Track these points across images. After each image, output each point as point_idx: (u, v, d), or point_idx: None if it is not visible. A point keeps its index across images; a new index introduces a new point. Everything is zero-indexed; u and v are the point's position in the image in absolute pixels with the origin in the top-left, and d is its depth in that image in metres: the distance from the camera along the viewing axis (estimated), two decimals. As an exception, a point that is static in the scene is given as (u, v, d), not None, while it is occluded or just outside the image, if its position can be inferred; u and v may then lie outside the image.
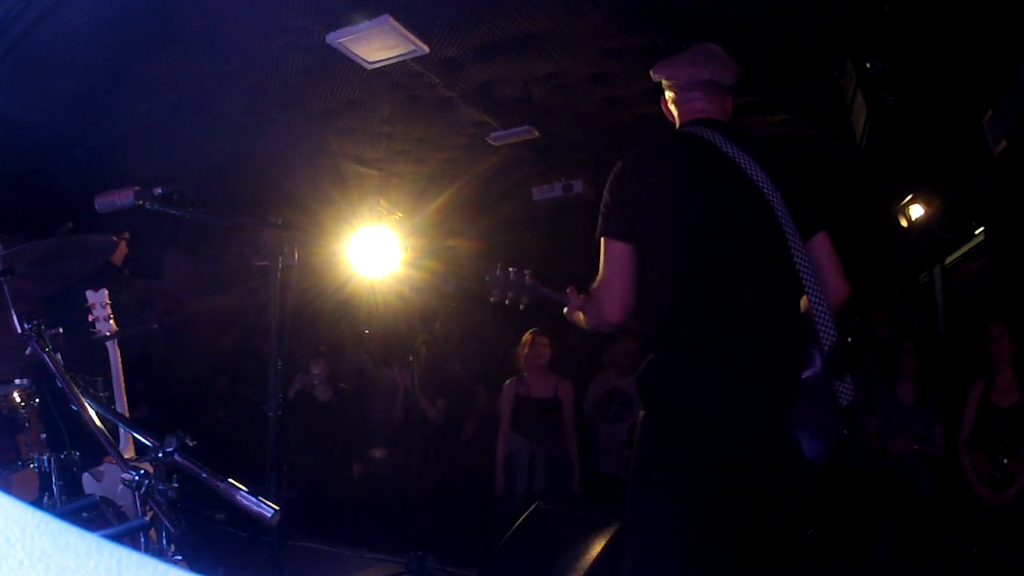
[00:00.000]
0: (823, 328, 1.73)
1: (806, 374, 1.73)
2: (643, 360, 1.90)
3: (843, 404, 1.73)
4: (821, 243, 1.90)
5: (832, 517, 3.92)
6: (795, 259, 1.77)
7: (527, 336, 4.67)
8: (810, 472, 1.78)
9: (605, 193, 1.94)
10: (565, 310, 2.15)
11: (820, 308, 1.75)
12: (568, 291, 2.11)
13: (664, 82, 2.11)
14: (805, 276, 1.76)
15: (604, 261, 1.90)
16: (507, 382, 4.76)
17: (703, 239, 1.82)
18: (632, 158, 1.96)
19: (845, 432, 1.94)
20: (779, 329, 1.79)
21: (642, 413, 1.89)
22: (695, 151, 1.90)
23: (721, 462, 1.74)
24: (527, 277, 2.13)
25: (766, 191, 1.80)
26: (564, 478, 4.54)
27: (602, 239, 1.90)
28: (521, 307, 2.16)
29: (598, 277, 1.92)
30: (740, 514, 1.79)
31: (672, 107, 2.10)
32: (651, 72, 2.13)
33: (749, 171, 1.82)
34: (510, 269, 2.13)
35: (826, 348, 1.72)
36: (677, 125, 2.08)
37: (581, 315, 2.06)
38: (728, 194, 1.84)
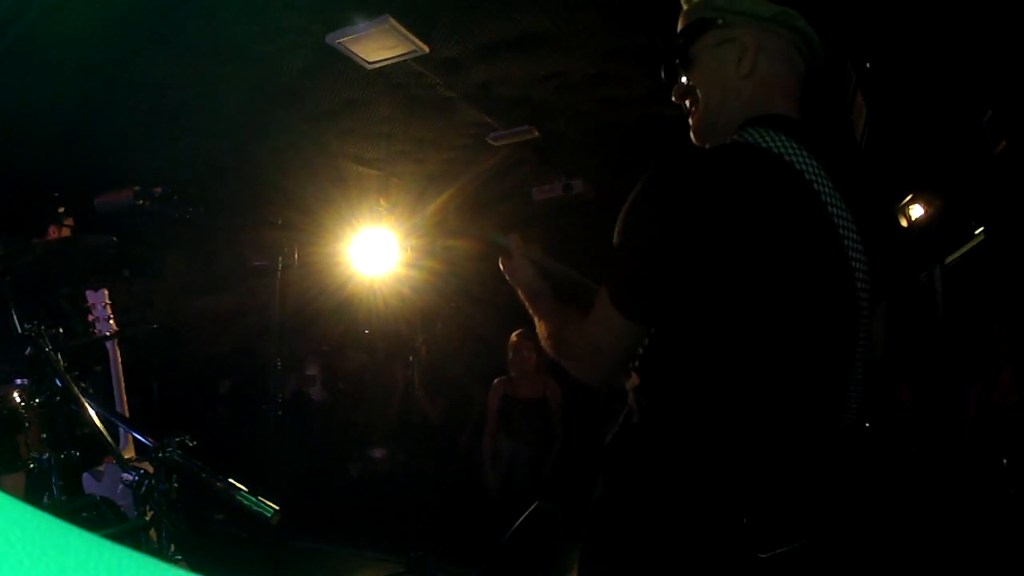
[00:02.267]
0: (847, 411, 1.31)
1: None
2: (631, 388, 1.30)
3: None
4: (880, 309, 1.40)
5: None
6: (861, 335, 1.27)
7: (513, 339, 4.65)
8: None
9: (632, 212, 1.20)
10: (501, 262, 1.57)
11: (855, 391, 1.31)
12: (512, 238, 1.56)
13: (729, 25, 1.29)
14: (860, 356, 1.29)
15: (603, 321, 1.24)
16: (495, 381, 4.76)
17: (760, 298, 1.18)
18: (667, 176, 1.20)
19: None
20: (822, 421, 1.29)
21: (601, 493, 1.30)
22: (762, 175, 1.19)
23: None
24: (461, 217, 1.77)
25: (848, 242, 1.23)
26: (544, 478, 4.51)
27: (607, 298, 1.22)
28: (440, 248, 1.79)
29: (589, 326, 1.27)
30: None
31: (730, 66, 1.29)
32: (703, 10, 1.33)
33: (833, 210, 1.22)
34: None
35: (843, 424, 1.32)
36: (713, 107, 1.32)
37: (533, 306, 1.51)
38: (804, 247, 1.20)
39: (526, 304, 1.56)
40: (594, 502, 1.33)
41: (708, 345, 1.21)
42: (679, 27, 1.37)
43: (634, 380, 1.30)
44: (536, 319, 1.49)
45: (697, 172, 1.21)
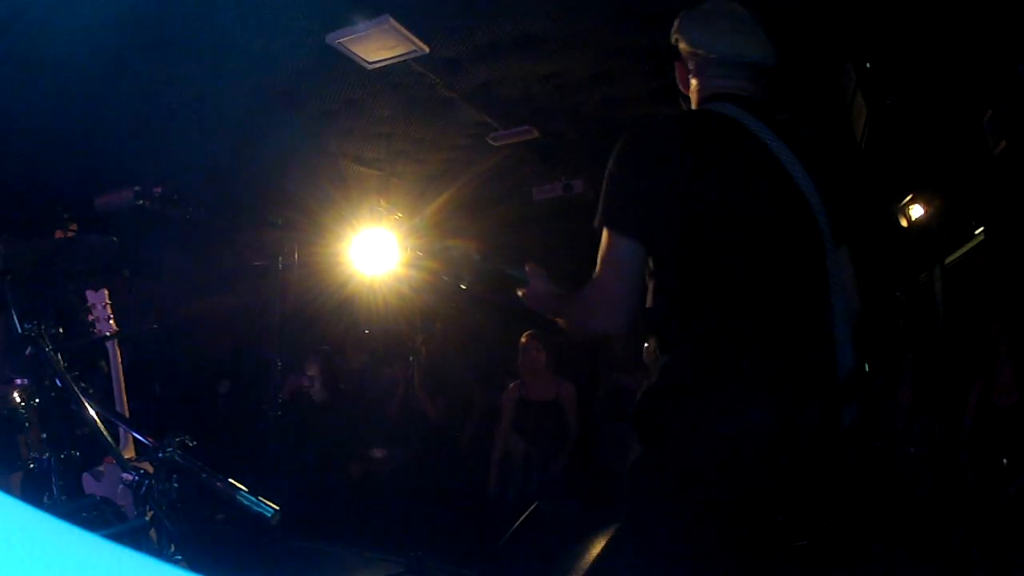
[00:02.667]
0: (842, 350, 1.49)
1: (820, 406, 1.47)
2: (650, 360, 1.56)
3: (844, 425, 1.50)
4: (846, 255, 1.65)
5: (830, 520, 3.92)
6: (829, 270, 1.51)
7: (523, 339, 4.65)
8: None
9: (611, 170, 1.54)
10: (522, 293, 1.74)
11: (843, 328, 1.50)
12: (528, 269, 1.73)
13: (683, 46, 1.70)
14: (835, 290, 1.51)
15: (604, 257, 1.51)
16: (511, 384, 4.76)
17: (729, 241, 1.48)
18: (645, 131, 1.59)
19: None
20: (807, 355, 1.49)
21: (640, 449, 1.51)
22: (720, 130, 1.54)
23: (745, 516, 1.43)
24: (474, 252, 1.81)
25: (804, 187, 1.52)
26: (556, 479, 4.52)
27: (604, 230, 1.52)
28: (463, 287, 1.85)
29: (595, 274, 1.54)
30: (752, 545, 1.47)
31: (692, 78, 1.69)
32: (672, 35, 1.73)
33: (785, 161, 1.52)
34: (451, 243, 1.83)
35: (842, 373, 1.48)
36: (693, 102, 1.71)
37: (553, 308, 1.70)
38: (761, 188, 1.52)
39: (547, 315, 1.75)
40: (633, 461, 1.52)
41: (689, 279, 1.51)
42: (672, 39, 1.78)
43: (650, 345, 1.58)
44: (558, 321, 1.69)
45: (660, 129, 1.62)
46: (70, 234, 3.36)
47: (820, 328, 1.51)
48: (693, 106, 1.70)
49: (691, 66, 1.70)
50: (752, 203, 1.50)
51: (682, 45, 1.70)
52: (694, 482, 1.41)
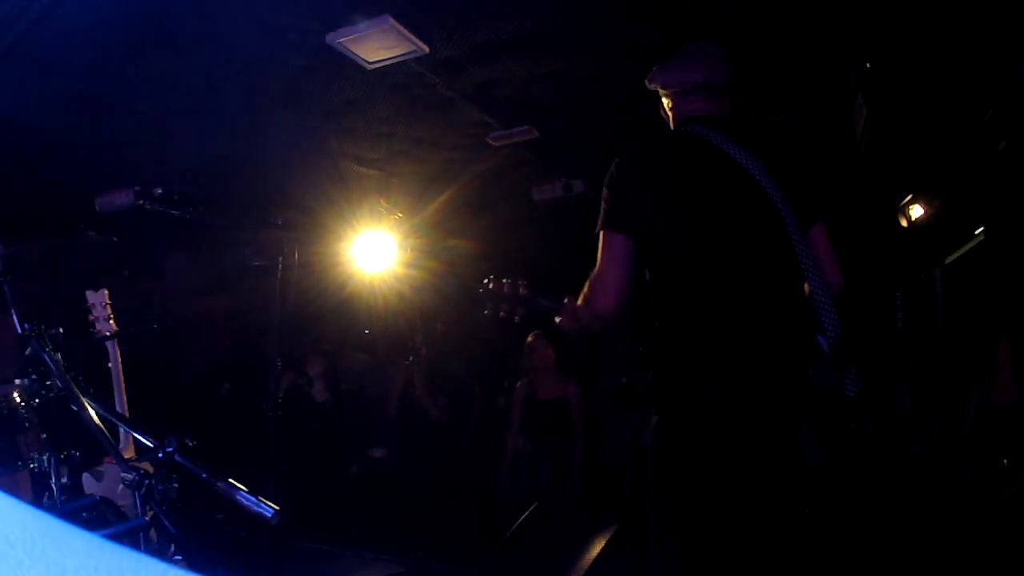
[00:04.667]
0: (826, 318, 1.74)
1: (813, 370, 1.72)
2: (647, 359, 1.88)
3: (848, 396, 1.73)
4: (818, 235, 1.93)
5: (835, 517, 3.93)
6: (797, 251, 1.79)
7: (529, 340, 4.67)
8: (811, 476, 1.78)
9: (605, 188, 1.92)
10: (558, 320, 2.01)
11: (822, 298, 1.76)
12: (566, 300, 2.00)
13: (660, 90, 2.15)
14: (807, 267, 1.78)
15: (601, 253, 1.88)
16: (517, 384, 4.78)
17: (704, 237, 1.81)
18: (631, 153, 1.96)
19: (852, 426, 1.96)
20: (785, 323, 1.77)
21: (655, 418, 1.87)
22: (692, 148, 1.92)
23: (732, 461, 1.73)
24: (521, 288, 1.96)
25: (764, 185, 1.82)
26: (566, 478, 4.54)
27: (601, 232, 1.88)
28: (516, 319, 2.01)
29: (594, 269, 1.89)
30: (752, 515, 1.77)
31: (669, 112, 2.14)
32: (646, 82, 2.18)
33: (747, 166, 1.83)
34: (504, 280, 1.97)
35: (831, 338, 1.73)
36: (672, 127, 2.11)
37: (574, 315, 1.94)
38: (727, 191, 1.84)
39: (574, 328, 2.00)
40: (654, 426, 1.87)
41: (663, 270, 1.86)
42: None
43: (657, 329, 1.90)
44: (571, 329, 1.98)
45: (645, 148, 2.00)
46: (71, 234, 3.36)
47: (798, 303, 1.80)
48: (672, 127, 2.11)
49: (664, 103, 2.15)
50: (724, 209, 1.84)
51: (654, 88, 2.17)
52: (702, 450, 1.73)
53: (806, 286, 1.80)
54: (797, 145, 4.17)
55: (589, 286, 1.88)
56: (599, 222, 1.89)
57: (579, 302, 1.92)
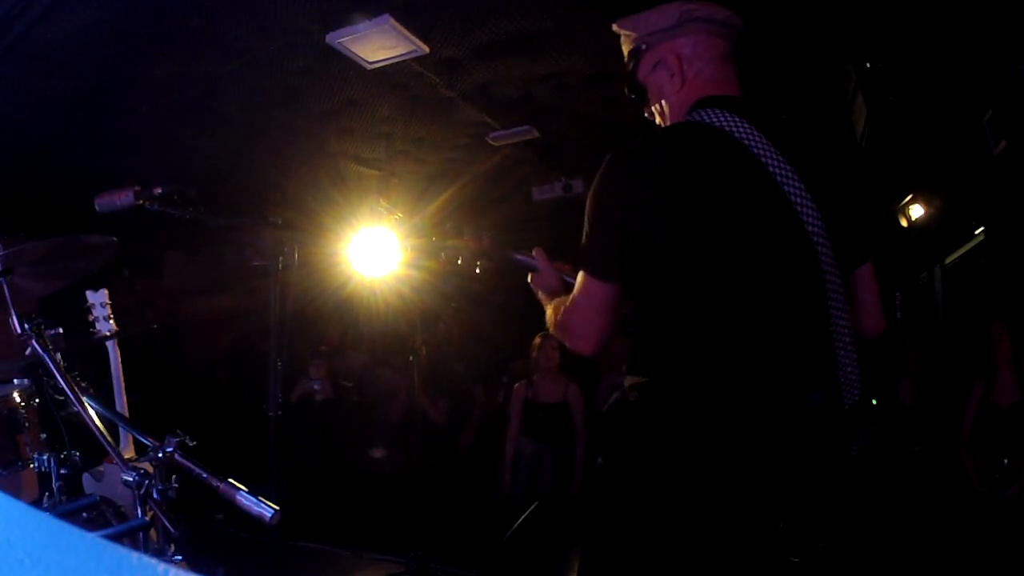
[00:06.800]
0: (846, 383, 1.41)
1: (816, 436, 1.41)
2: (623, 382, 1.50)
3: (852, 453, 1.45)
4: (864, 275, 1.53)
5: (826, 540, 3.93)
6: (829, 296, 1.39)
7: (537, 339, 4.68)
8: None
9: (590, 200, 1.50)
10: (531, 278, 1.86)
11: (847, 359, 1.40)
12: (535, 253, 1.84)
13: (628, 35, 1.63)
14: (837, 319, 1.39)
15: (583, 294, 1.51)
16: (516, 385, 4.78)
17: (716, 266, 1.38)
18: (627, 153, 1.47)
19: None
20: (800, 379, 1.40)
21: (604, 463, 1.49)
22: (711, 150, 1.42)
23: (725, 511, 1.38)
24: (486, 237, 1.90)
25: (799, 206, 1.38)
26: (568, 478, 4.54)
27: (582, 273, 1.52)
28: (477, 270, 1.93)
29: (573, 302, 1.55)
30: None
31: (666, 83, 1.59)
32: (614, 27, 1.67)
33: (780, 178, 1.39)
34: (478, 234, 1.91)
35: (847, 405, 1.41)
36: (667, 112, 1.61)
37: (548, 307, 1.74)
38: (751, 211, 1.39)
39: (543, 300, 1.81)
40: (597, 469, 1.51)
41: (676, 310, 1.42)
42: (624, 54, 1.68)
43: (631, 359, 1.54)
44: (547, 308, 1.74)
45: (643, 151, 1.47)
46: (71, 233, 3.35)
47: (817, 363, 1.40)
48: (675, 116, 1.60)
49: (645, 60, 1.62)
50: (745, 235, 1.39)
51: (630, 36, 1.66)
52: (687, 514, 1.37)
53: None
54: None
55: (569, 324, 1.58)
56: (581, 255, 1.51)
57: (553, 312, 1.68)
